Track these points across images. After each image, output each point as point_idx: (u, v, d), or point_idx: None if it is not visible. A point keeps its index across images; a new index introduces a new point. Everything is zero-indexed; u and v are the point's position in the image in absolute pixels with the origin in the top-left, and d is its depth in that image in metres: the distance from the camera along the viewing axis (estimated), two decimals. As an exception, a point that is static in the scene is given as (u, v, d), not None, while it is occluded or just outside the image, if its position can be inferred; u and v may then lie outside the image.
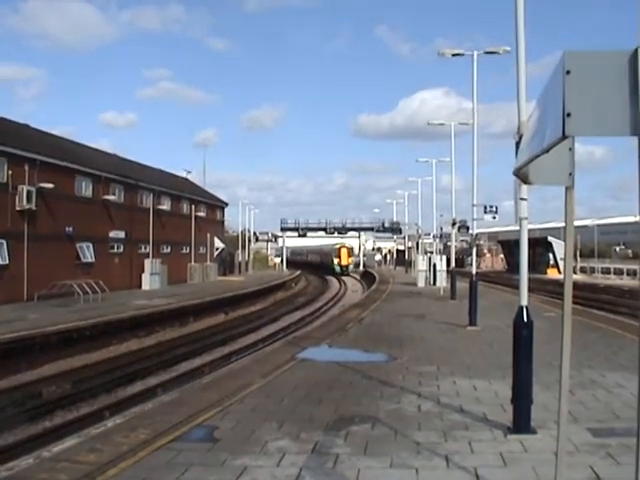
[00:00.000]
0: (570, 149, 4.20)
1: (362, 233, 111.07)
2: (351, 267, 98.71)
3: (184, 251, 60.83)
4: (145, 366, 22.79)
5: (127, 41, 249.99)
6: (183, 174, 75.79)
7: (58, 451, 8.53)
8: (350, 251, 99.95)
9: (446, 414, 10.19)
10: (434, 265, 50.22)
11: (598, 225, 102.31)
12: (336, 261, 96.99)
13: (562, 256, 62.32)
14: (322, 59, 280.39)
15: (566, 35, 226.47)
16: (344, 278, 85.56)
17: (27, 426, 15.39)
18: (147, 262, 50.56)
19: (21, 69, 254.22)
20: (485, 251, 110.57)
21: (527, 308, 9.12)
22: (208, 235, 66.72)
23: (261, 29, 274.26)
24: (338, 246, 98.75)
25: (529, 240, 9.81)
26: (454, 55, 27.78)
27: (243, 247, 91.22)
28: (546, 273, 67.90)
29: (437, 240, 57.21)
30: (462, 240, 68.28)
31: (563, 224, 4.27)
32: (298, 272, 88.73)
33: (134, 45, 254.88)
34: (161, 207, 55.09)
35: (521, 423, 8.97)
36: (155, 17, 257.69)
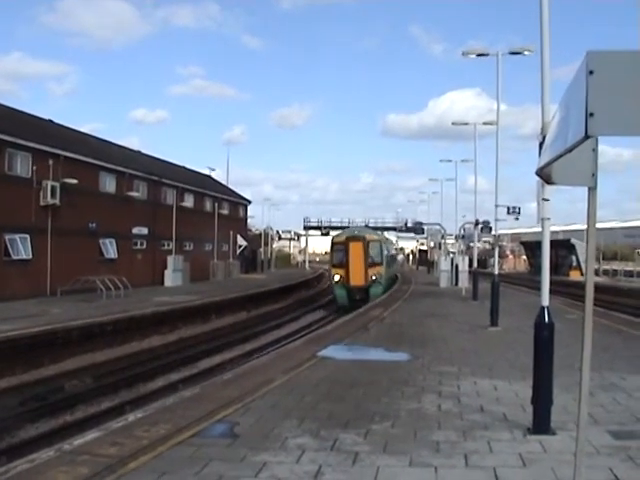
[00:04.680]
0: (593, 150, 4.20)
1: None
2: (377, 290, 41.92)
3: (207, 248, 61.01)
4: (166, 362, 22.91)
5: (161, 39, 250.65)
6: (207, 172, 76.12)
7: (79, 444, 8.57)
8: (371, 248, 42.77)
9: (466, 414, 10.17)
10: (456, 266, 50.20)
11: (622, 228, 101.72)
12: (337, 277, 42.74)
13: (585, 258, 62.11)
14: (354, 57, 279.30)
15: (594, 38, 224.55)
16: None
17: (48, 419, 15.54)
18: (170, 259, 50.76)
19: (54, 65, 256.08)
20: (508, 252, 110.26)
21: (548, 309, 9.07)
22: (231, 232, 66.85)
23: (295, 28, 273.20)
24: (343, 237, 43.74)
25: (552, 242, 9.78)
26: (479, 55, 27.71)
27: (266, 245, 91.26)
28: (569, 275, 67.64)
29: (459, 241, 57.02)
30: (485, 241, 67.86)
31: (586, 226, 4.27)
32: (321, 271, 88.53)
33: (168, 42, 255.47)
34: (184, 204, 55.25)
35: (541, 424, 8.95)
36: (190, 15, 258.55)
